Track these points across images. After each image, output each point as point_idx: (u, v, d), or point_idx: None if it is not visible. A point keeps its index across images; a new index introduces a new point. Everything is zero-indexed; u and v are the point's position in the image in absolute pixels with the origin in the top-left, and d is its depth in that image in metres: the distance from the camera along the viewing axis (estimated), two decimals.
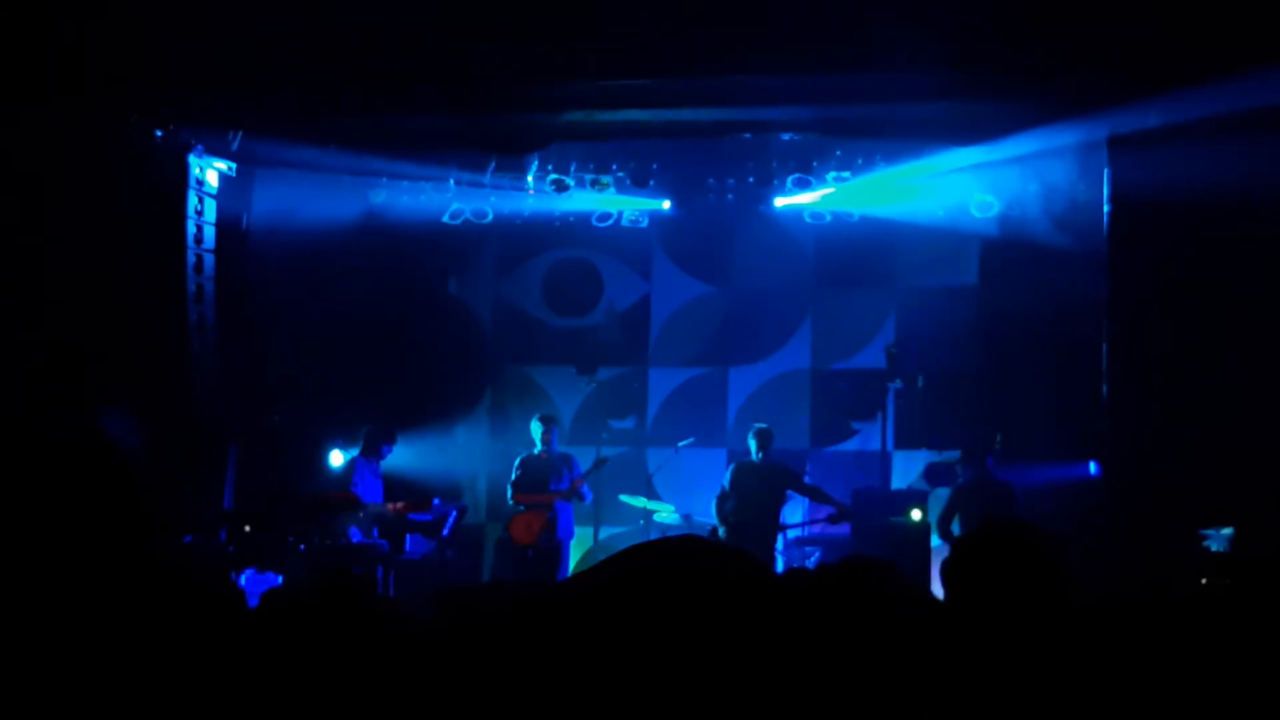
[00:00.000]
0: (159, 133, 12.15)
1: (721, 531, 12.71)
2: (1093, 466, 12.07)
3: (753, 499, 12.60)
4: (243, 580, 11.76)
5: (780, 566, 12.58)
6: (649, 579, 1.87)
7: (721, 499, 12.78)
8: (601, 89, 11.95)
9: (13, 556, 2.00)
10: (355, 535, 12.48)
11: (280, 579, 11.69)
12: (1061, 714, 3.15)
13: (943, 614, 3.51)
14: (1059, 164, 12.89)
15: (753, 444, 12.87)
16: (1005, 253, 13.92)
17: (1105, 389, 11.85)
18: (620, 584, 1.88)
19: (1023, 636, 3.35)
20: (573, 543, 13.18)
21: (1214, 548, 10.39)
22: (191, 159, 12.56)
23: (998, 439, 12.76)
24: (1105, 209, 11.97)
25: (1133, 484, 11.32)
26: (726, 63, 11.32)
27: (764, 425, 13.02)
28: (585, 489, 13.10)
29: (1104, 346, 11.95)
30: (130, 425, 11.25)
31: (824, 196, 14.17)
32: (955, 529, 12.21)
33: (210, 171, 12.83)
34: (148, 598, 2.06)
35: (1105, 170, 12.01)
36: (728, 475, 12.89)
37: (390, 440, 13.11)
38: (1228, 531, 10.35)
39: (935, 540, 12.09)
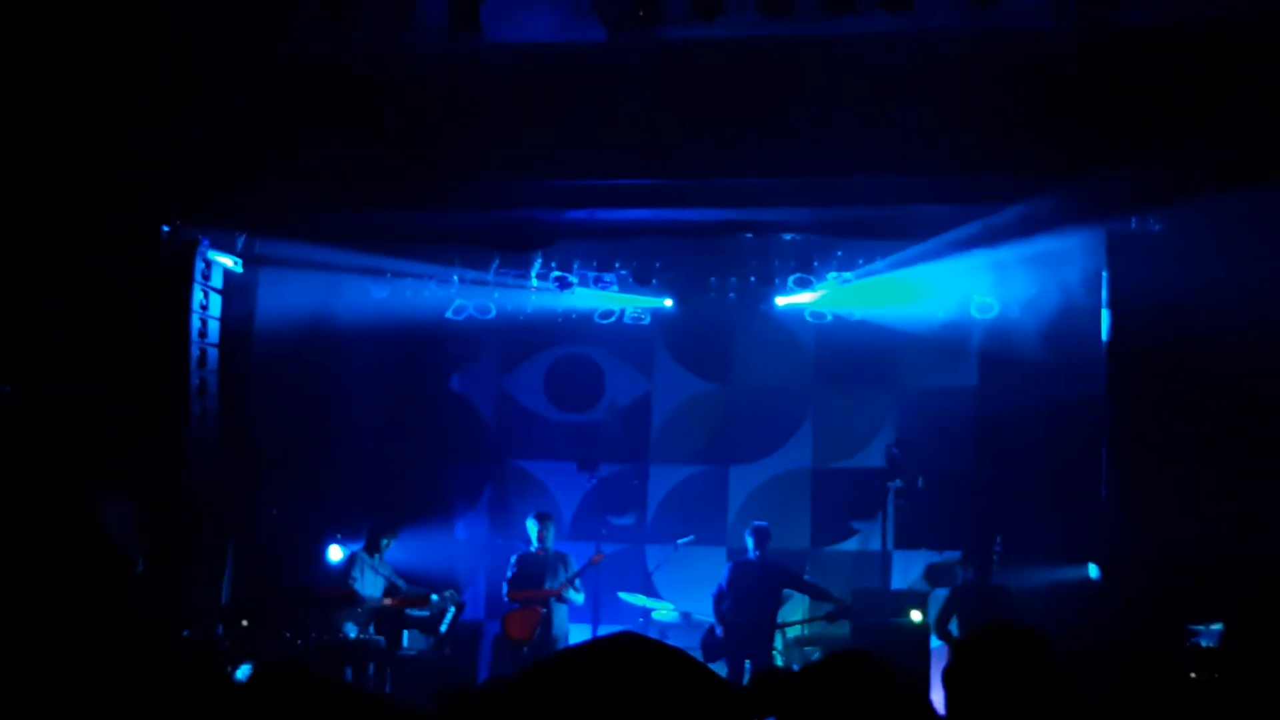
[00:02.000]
0: (166, 228, 12.25)
1: (719, 631, 12.65)
2: (1092, 569, 12.03)
3: (750, 598, 12.56)
4: (239, 675, 11.68)
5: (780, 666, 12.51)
6: (581, 678, 1.89)
7: (718, 598, 12.74)
8: (605, 189, 12.07)
9: (7, 643, 2.02)
10: (352, 631, 12.43)
11: None
12: None
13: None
14: (1058, 265, 12.97)
15: (750, 542, 12.87)
16: (1005, 354, 13.94)
17: (1104, 491, 11.84)
18: (551, 685, 1.89)
19: None
20: (570, 640, 13.11)
21: (1204, 644, 10.38)
22: (198, 254, 12.64)
23: (997, 541, 12.73)
24: (1104, 310, 12.04)
25: (1131, 586, 11.28)
26: (729, 164, 11.45)
27: (762, 523, 13.01)
28: (577, 587, 13.07)
29: (1103, 449, 11.95)
30: (130, 517, 11.25)
31: (825, 296, 14.23)
32: (954, 629, 12.17)
33: (216, 267, 12.91)
34: (141, 688, 2.07)
35: (1104, 272, 12.10)
36: (725, 574, 12.85)
37: (392, 536, 13.12)
38: (1217, 627, 10.35)
39: (935, 641, 12.05)
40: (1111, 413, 11.90)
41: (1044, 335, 13.41)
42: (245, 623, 12.50)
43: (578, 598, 13.12)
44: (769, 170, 11.49)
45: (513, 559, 13.26)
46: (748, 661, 12.37)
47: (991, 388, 14.28)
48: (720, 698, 1.91)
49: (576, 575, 13.05)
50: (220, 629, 12.48)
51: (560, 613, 13.00)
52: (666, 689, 1.89)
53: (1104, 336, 11.99)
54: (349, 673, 12.07)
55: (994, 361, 14.25)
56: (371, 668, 12.37)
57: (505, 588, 13.11)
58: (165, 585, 11.55)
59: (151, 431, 12.02)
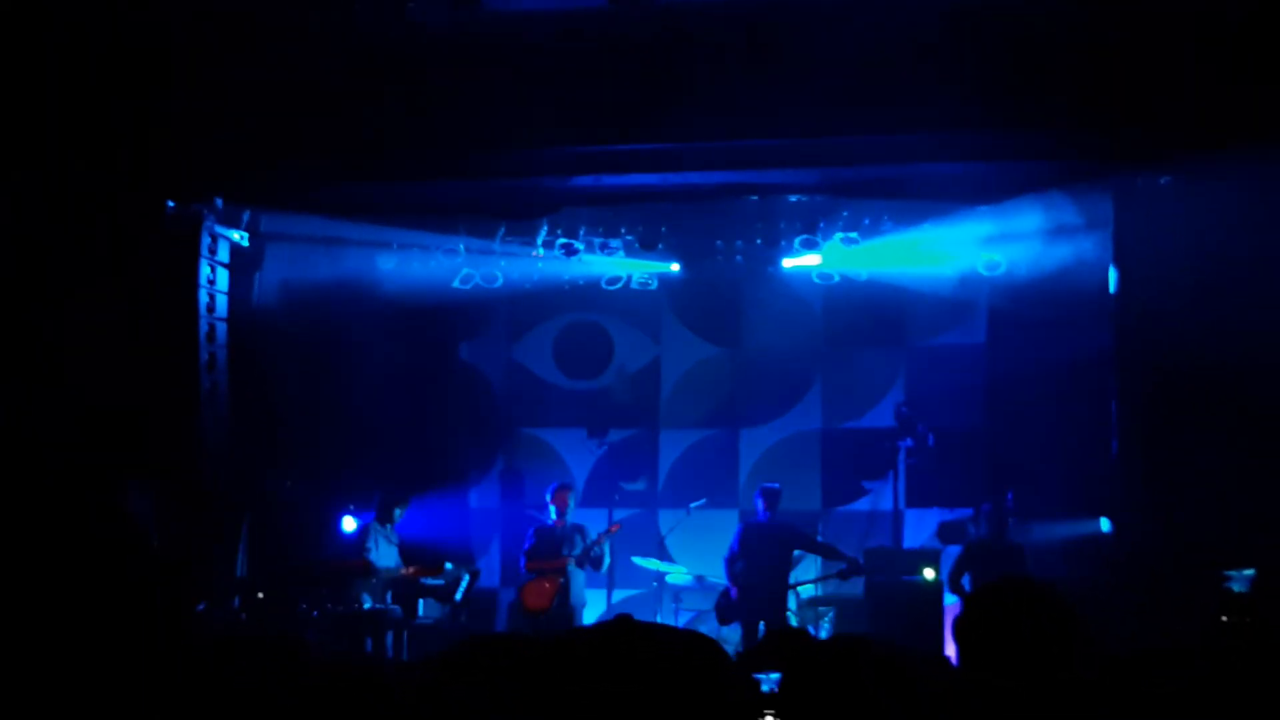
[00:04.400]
0: (171, 203, 12.24)
1: (734, 593, 12.70)
2: (1104, 523, 12.06)
3: (761, 559, 12.60)
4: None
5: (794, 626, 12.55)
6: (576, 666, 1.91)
7: (731, 560, 12.77)
8: (609, 154, 12.03)
9: (31, 625, 2.04)
10: (368, 601, 12.49)
11: None
12: None
13: (948, 675, 3.53)
14: (1065, 221, 12.94)
15: (759, 504, 12.89)
16: (1012, 310, 13.95)
17: (1115, 445, 11.85)
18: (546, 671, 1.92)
19: (1037, 695, 3.37)
20: (586, 609, 13.14)
21: (1236, 588, 10.42)
22: (204, 228, 12.62)
23: (1009, 496, 12.76)
24: (1111, 264, 12.03)
25: (1144, 538, 11.31)
26: (732, 126, 11.41)
27: (772, 485, 13.04)
28: (603, 550, 13.04)
29: (1113, 403, 11.96)
30: (143, 493, 11.29)
31: (831, 257, 14.19)
32: (967, 585, 12.20)
33: (222, 241, 12.90)
34: (166, 665, 2.10)
35: (1110, 225, 12.08)
36: (735, 536, 12.89)
37: (403, 504, 13.15)
38: (1249, 573, 10.38)
39: (949, 598, 12.09)
40: (1120, 367, 11.90)
41: (1052, 291, 13.37)
42: (261, 595, 12.56)
43: (602, 564, 13.11)
44: (772, 132, 11.44)
45: (530, 531, 13.27)
46: (761, 623, 12.42)
47: (1000, 344, 14.29)
48: (719, 673, 1.94)
49: (594, 544, 13.03)
50: (236, 602, 12.54)
51: (577, 580, 13.00)
52: (665, 667, 1.92)
53: (1111, 290, 11.98)
54: (368, 643, 12.12)
55: (1002, 318, 14.25)
56: (389, 637, 12.42)
57: (523, 560, 13.12)
58: (180, 560, 11.59)
59: (162, 407, 12.05)
